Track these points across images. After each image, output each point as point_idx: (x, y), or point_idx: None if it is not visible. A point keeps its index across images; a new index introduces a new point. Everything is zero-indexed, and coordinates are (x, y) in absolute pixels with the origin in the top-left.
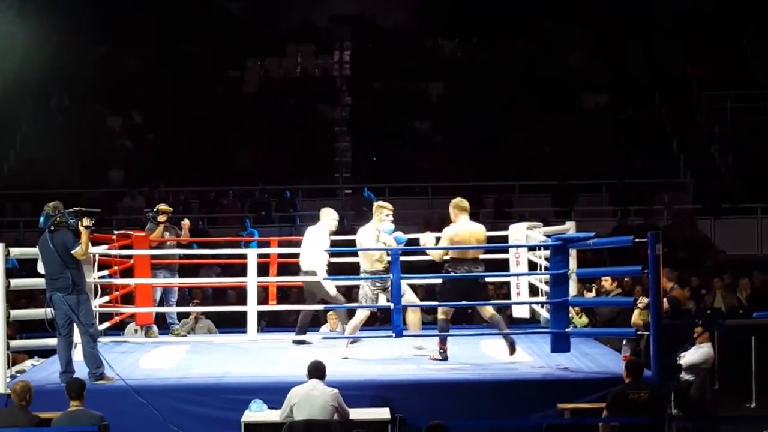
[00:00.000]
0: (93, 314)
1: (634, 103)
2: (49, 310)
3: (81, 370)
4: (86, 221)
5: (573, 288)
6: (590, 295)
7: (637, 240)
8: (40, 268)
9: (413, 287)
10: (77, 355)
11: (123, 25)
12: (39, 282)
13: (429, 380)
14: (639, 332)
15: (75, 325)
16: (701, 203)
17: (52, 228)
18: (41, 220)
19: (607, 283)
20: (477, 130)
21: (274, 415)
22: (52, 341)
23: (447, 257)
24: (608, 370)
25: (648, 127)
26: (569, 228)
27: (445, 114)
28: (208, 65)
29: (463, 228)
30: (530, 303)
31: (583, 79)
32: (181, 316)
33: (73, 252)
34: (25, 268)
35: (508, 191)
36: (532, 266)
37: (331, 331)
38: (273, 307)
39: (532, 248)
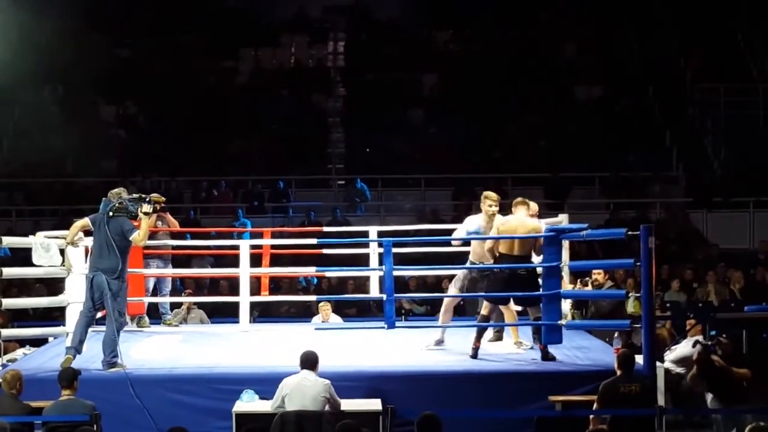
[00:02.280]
0: (126, 305)
1: (627, 95)
2: (85, 288)
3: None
4: (146, 208)
5: (566, 280)
6: (587, 289)
7: (630, 233)
8: (35, 259)
9: (404, 279)
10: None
11: (117, 14)
12: (31, 271)
13: (420, 372)
14: (634, 324)
15: (106, 310)
16: (693, 196)
17: (111, 213)
18: (101, 205)
19: (600, 276)
20: (470, 121)
21: (265, 406)
22: (44, 330)
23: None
24: (600, 362)
25: (641, 119)
26: (562, 220)
27: (439, 105)
28: (202, 55)
29: (509, 221)
30: (522, 295)
31: (577, 72)
32: (174, 306)
33: (131, 238)
34: (18, 257)
35: (500, 183)
36: None
37: (323, 321)
38: (265, 297)
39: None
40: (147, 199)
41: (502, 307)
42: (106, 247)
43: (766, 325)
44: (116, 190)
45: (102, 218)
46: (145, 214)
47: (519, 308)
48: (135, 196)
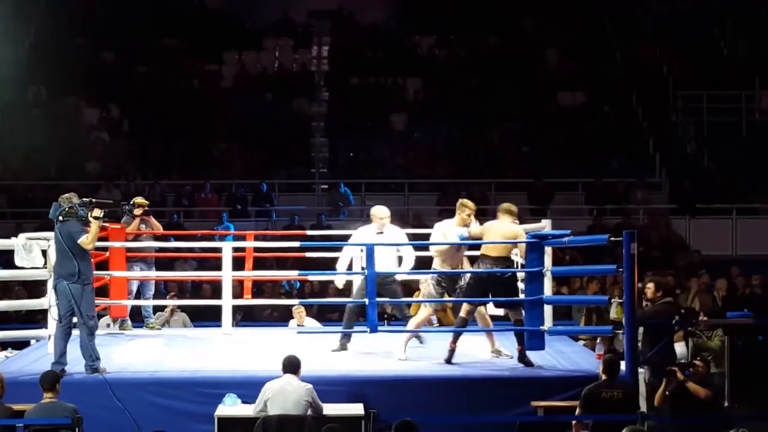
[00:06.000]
0: (94, 307)
1: (610, 102)
2: (52, 298)
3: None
4: (96, 212)
5: (548, 286)
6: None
7: (613, 239)
8: (18, 261)
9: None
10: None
11: (100, 17)
12: (14, 273)
13: (403, 377)
14: (616, 330)
15: (75, 316)
16: (676, 203)
17: (61, 218)
18: (51, 210)
19: (650, 291)
20: (454, 126)
21: (248, 410)
22: (26, 333)
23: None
24: (582, 368)
25: (624, 126)
26: (545, 226)
27: (422, 110)
28: (186, 58)
29: (491, 224)
30: (505, 300)
31: (560, 78)
32: (156, 309)
33: (79, 241)
34: (0, 260)
35: (484, 188)
36: None
37: (299, 325)
38: (248, 301)
39: None
40: (97, 204)
41: (477, 315)
42: (61, 252)
43: (748, 331)
44: (67, 194)
45: (54, 224)
46: (95, 218)
47: (501, 312)
48: (85, 200)
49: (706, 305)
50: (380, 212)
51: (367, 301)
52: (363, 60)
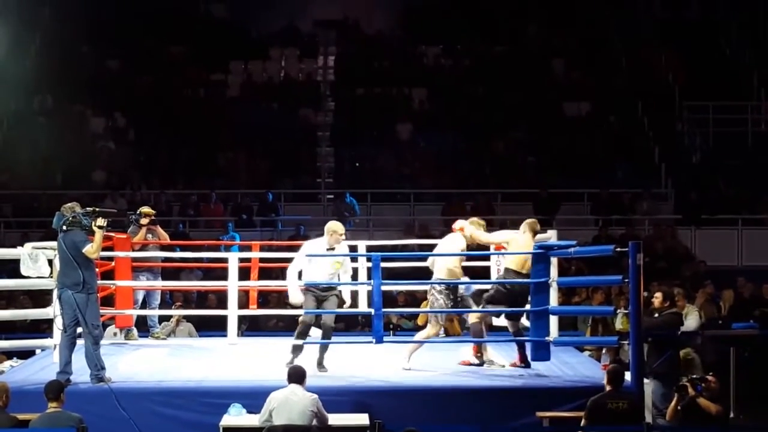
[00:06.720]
0: (99, 316)
1: (616, 111)
2: (57, 307)
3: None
4: (100, 221)
5: (554, 296)
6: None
7: (619, 249)
8: (24, 270)
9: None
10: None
11: (107, 25)
12: (19, 283)
13: (408, 387)
14: (621, 340)
15: (80, 325)
16: (682, 213)
17: (65, 228)
18: (54, 219)
19: (657, 300)
20: (459, 136)
21: (253, 420)
22: (31, 342)
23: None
24: (587, 378)
25: (630, 136)
26: (550, 236)
27: (428, 120)
28: (192, 67)
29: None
30: (511, 311)
31: (566, 88)
32: (162, 319)
33: (84, 251)
34: (6, 269)
35: (489, 199)
36: None
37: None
38: (253, 311)
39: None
40: (101, 213)
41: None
42: (65, 261)
43: (753, 342)
44: (70, 204)
45: (58, 234)
46: (99, 227)
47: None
48: (89, 209)
49: (711, 316)
50: (339, 228)
51: (373, 311)
52: (369, 70)
